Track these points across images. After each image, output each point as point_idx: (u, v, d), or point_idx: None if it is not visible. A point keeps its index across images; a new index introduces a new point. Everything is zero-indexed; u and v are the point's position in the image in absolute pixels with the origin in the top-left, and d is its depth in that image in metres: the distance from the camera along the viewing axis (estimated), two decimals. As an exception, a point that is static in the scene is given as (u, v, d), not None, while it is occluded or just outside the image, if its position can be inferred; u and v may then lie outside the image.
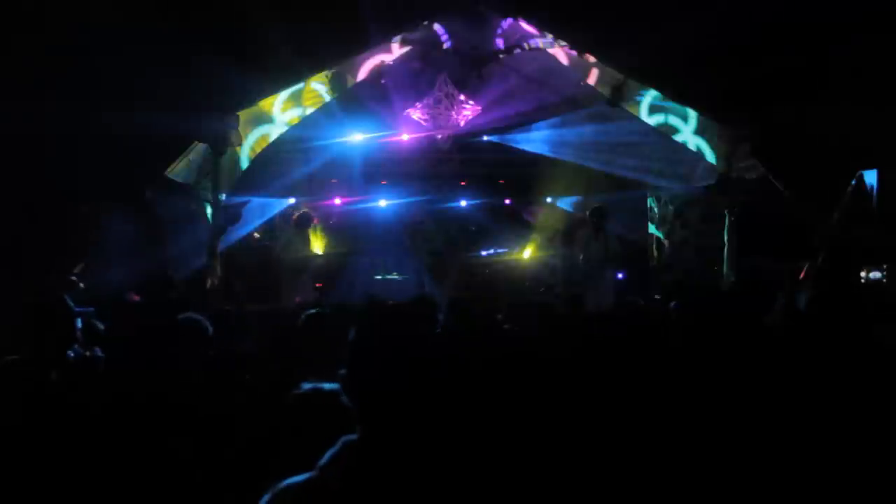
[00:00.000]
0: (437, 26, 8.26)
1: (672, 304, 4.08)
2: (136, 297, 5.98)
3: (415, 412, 1.44)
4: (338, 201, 10.23)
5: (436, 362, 1.47)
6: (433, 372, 1.46)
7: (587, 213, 8.95)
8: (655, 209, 9.73)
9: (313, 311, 3.26)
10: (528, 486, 1.54)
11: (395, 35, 8.00)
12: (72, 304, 3.02)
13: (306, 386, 1.55)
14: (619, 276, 8.84)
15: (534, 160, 9.85)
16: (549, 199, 10.60)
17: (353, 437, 1.45)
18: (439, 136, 9.23)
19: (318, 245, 9.60)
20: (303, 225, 8.94)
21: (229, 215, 7.65)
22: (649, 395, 2.87)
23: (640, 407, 2.80)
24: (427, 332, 1.51)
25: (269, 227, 9.38)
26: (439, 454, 1.44)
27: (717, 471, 2.45)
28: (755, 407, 2.65)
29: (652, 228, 9.77)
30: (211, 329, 2.88)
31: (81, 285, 6.03)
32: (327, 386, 2.03)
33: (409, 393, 1.44)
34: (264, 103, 7.89)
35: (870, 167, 6.46)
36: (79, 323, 3.08)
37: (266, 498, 1.43)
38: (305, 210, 9.19)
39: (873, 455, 2.43)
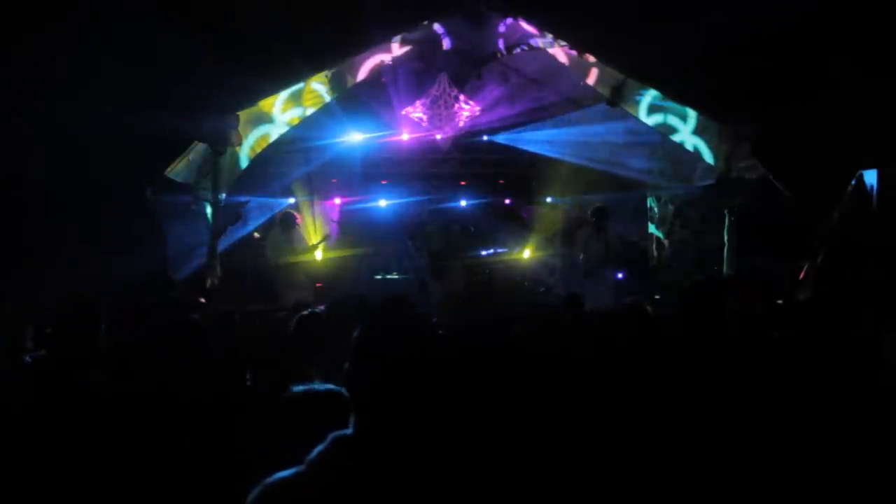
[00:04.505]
0: (437, 26, 8.25)
1: (674, 304, 4.08)
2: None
3: (416, 409, 1.45)
4: (338, 201, 10.24)
5: (438, 361, 1.49)
6: (436, 370, 1.48)
7: (588, 212, 8.95)
8: (655, 209, 9.72)
9: (306, 312, 3.25)
10: (523, 487, 1.54)
11: (395, 35, 8.00)
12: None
13: (297, 388, 1.55)
14: (619, 276, 8.83)
15: (534, 160, 9.87)
16: (549, 199, 10.61)
17: (344, 432, 1.46)
18: (439, 136, 9.23)
19: (315, 238, 9.58)
20: (287, 225, 8.88)
21: (229, 215, 7.65)
22: (650, 395, 2.86)
23: (640, 407, 2.80)
24: (427, 331, 1.53)
25: (267, 228, 9.39)
26: (435, 452, 1.44)
27: (719, 472, 2.44)
28: (756, 407, 2.65)
29: (652, 228, 9.76)
30: (204, 330, 2.86)
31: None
32: (318, 387, 2.02)
33: (413, 389, 1.45)
34: (264, 103, 7.89)
35: (870, 167, 6.44)
36: None
37: (254, 493, 1.44)
38: (288, 210, 9.15)
39: (871, 455, 2.42)
